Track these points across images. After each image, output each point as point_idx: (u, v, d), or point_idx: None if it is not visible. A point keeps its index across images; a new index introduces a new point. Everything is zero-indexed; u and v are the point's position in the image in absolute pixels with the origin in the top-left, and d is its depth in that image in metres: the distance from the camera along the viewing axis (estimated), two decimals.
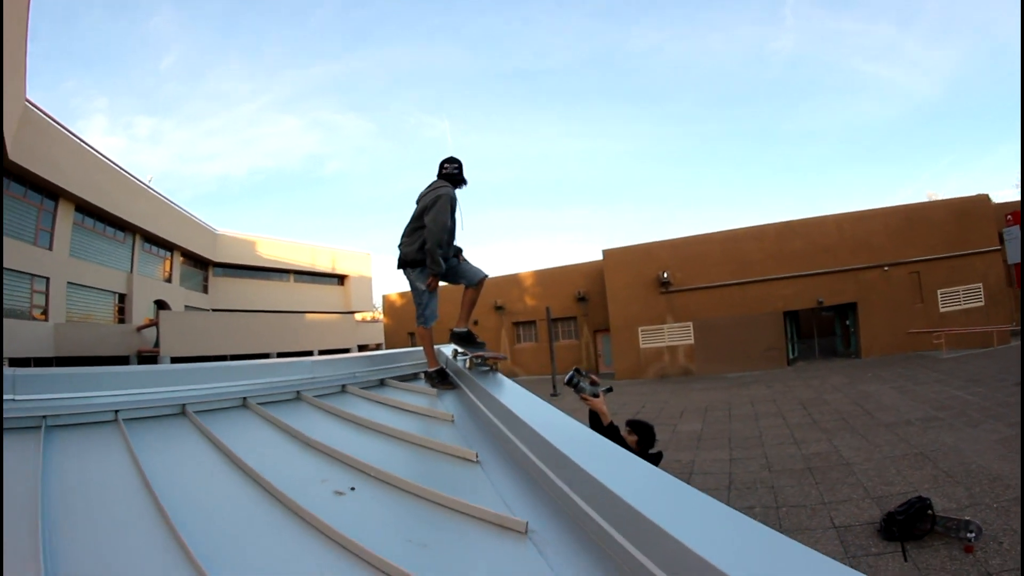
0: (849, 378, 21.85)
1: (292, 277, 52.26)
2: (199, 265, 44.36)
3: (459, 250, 5.27)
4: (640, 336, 30.42)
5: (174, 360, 25.45)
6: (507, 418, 3.36)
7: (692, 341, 29.74)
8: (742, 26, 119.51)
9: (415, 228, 4.90)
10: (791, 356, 29.31)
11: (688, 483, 7.41)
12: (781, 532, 5.39)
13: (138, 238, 34.78)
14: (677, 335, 30.04)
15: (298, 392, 4.48)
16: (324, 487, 2.72)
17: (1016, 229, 17.52)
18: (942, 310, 27.44)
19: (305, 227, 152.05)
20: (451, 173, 4.98)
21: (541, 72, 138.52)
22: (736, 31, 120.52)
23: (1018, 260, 17.74)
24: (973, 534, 7.31)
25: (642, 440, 5.52)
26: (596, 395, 4.99)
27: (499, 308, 36.14)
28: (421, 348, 5.50)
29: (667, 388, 25.17)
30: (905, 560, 7.15)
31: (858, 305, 28.06)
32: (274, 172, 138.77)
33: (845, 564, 4.93)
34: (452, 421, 3.91)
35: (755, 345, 28.41)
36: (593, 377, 5.10)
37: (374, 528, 2.33)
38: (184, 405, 3.74)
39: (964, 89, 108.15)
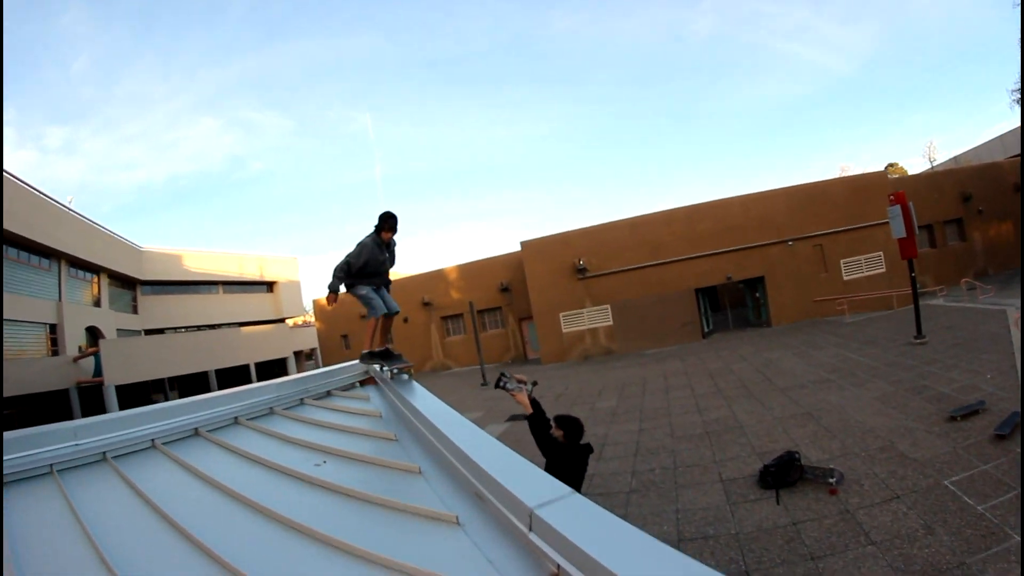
0: (756, 347, 23.17)
1: (221, 288, 50.80)
2: (126, 285, 42.46)
3: (387, 283, 7.16)
4: (562, 321, 31.33)
5: (119, 388, 24.97)
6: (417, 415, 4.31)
7: (611, 322, 30.78)
8: (658, 9, 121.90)
9: None
10: (706, 329, 30.65)
11: (600, 454, 8.36)
12: (676, 488, 6.26)
13: (64, 264, 33.05)
14: (597, 317, 30.97)
15: (197, 429, 4.94)
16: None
17: (897, 208, 18.86)
18: (846, 278, 29.29)
19: (230, 233, 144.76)
20: (377, 225, 6.69)
21: (460, 58, 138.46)
22: (653, 13, 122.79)
23: (902, 235, 19.02)
24: (835, 479, 8.33)
25: (568, 434, 5.88)
26: (519, 391, 6.13)
27: (427, 304, 36.59)
28: (325, 366, 7.34)
29: (589, 368, 26.07)
30: (777, 503, 8.12)
31: (766, 278, 29.57)
32: (195, 177, 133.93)
33: (726, 510, 5.83)
34: (380, 416, 4.95)
35: (671, 322, 29.56)
36: (518, 376, 6.28)
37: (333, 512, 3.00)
38: (153, 440, 4.37)
39: (876, 65, 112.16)
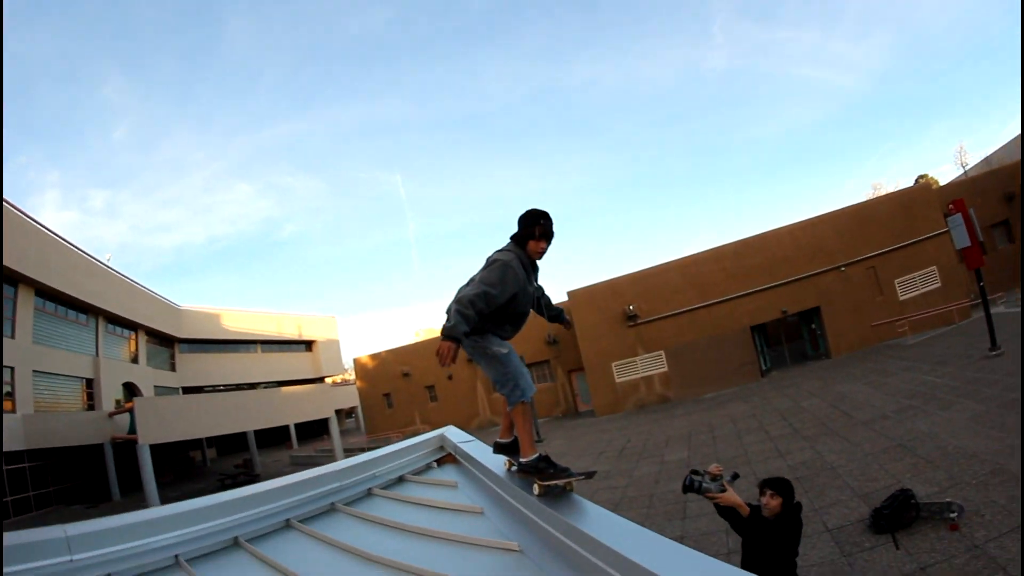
0: (823, 381, 22.23)
1: (259, 347, 52.25)
2: (165, 343, 43.74)
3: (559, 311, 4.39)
4: (615, 370, 30.71)
5: (152, 447, 24.72)
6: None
7: (666, 368, 30.03)
8: (673, 49, 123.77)
9: None
10: (764, 367, 29.71)
11: (684, 512, 7.41)
12: None
13: (101, 320, 34.03)
14: (650, 365, 30.23)
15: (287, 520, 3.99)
16: None
17: (958, 217, 18.35)
18: (902, 298, 28.37)
19: (268, 293, 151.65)
20: (517, 234, 3.85)
21: (487, 115, 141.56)
22: (668, 55, 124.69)
23: (966, 244, 18.46)
24: (956, 513, 7.67)
25: (787, 499, 4.92)
26: (723, 490, 4.71)
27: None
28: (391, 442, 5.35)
29: (648, 418, 25.32)
30: (897, 548, 7.46)
31: (821, 308, 28.74)
32: (232, 238, 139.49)
33: (843, 563, 5.17)
34: (482, 513, 3.71)
35: (728, 363, 28.75)
36: (712, 471, 4.83)
37: None
38: (177, 555, 3.38)
39: (891, 78, 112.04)
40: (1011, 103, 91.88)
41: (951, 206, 19.15)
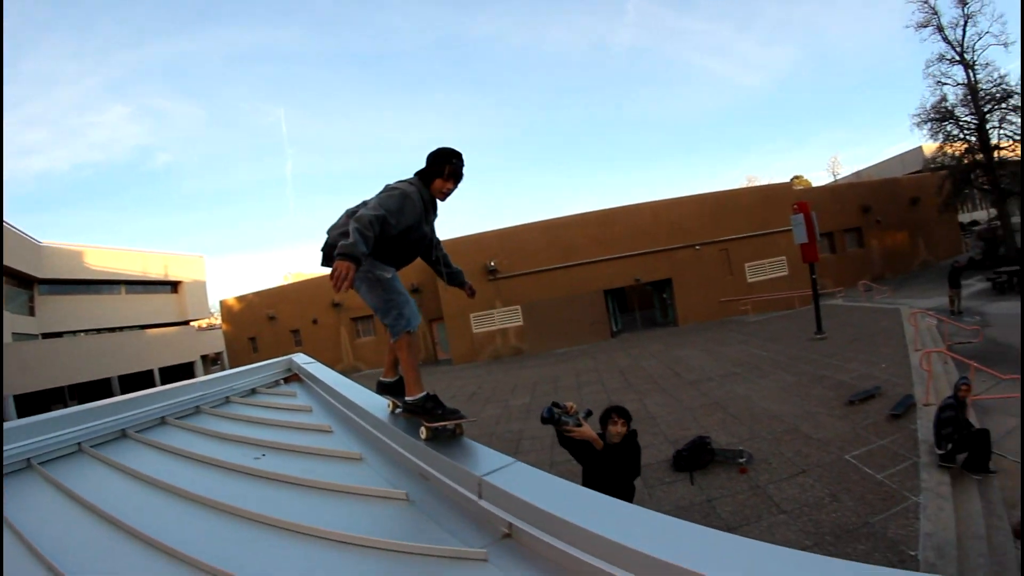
0: (664, 345, 23.75)
1: (123, 288, 47.68)
2: (23, 284, 38.55)
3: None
4: (472, 322, 31.38)
5: (16, 397, 23.31)
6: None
7: (521, 323, 30.98)
8: (584, 16, 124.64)
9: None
10: (615, 329, 31.34)
11: (517, 448, 8.26)
12: None
13: None
14: (507, 318, 31.09)
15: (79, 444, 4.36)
16: None
17: (800, 216, 19.93)
18: (750, 280, 30.59)
19: (134, 229, 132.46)
20: (423, 170, 3.58)
21: (384, 56, 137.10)
22: (578, 21, 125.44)
23: (804, 241, 20.10)
24: (745, 459, 8.68)
25: (629, 423, 5.09)
26: (580, 424, 4.67)
27: (336, 305, 36.06)
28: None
29: (501, 368, 26.16)
30: (692, 483, 8.43)
31: (673, 280, 30.41)
32: (101, 166, 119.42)
33: (644, 493, 5.85)
34: (311, 411, 4.78)
35: (581, 322, 29.98)
36: (568, 406, 4.78)
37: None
38: (80, 443, 4.19)
39: (790, 85, 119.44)
40: (892, 130, 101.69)
41: (795, 206, 20.70)
